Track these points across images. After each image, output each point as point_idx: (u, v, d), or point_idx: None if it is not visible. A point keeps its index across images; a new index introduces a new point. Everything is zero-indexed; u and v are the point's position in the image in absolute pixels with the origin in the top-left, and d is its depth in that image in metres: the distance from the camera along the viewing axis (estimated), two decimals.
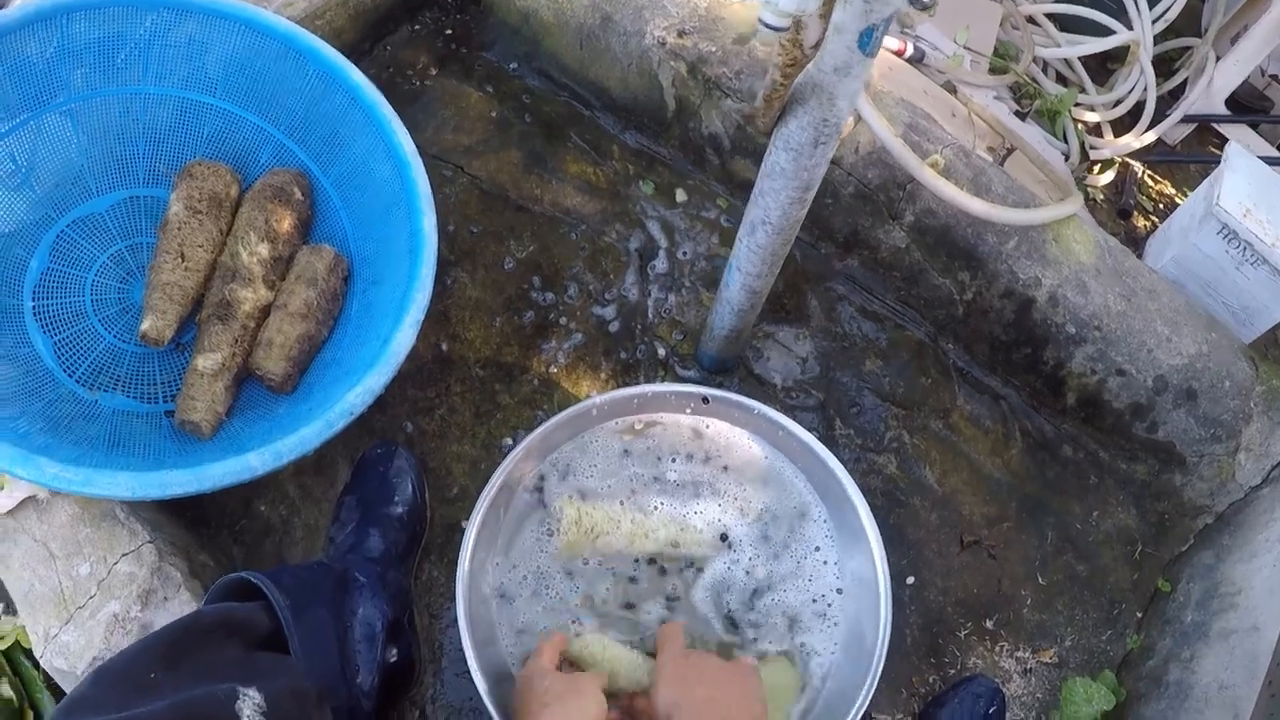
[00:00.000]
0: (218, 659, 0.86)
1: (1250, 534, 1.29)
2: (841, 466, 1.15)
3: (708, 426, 1.22)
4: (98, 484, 1.03)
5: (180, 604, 1.11)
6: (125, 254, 1.33)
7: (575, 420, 1.20)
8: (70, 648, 1.10)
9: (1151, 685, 1.28)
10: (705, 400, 1.21)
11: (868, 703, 1.05)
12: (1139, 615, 1.34)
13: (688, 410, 1.22)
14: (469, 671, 1.18)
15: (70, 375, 1.24)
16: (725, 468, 1.20)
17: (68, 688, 1.10)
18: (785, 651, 1.13)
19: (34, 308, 1.26)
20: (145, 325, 1.23)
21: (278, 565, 1.25)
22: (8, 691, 1.15)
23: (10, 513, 1.16)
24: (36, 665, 1.19)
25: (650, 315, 1.40)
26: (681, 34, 1.40)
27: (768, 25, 0.85)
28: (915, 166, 1.29)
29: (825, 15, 0.87)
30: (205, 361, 1.24)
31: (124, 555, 1.13)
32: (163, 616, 1.11)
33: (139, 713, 0.74)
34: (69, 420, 1.20)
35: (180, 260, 1.27)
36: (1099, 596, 1.34)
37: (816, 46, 0.91)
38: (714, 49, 1.39)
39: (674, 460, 1.21)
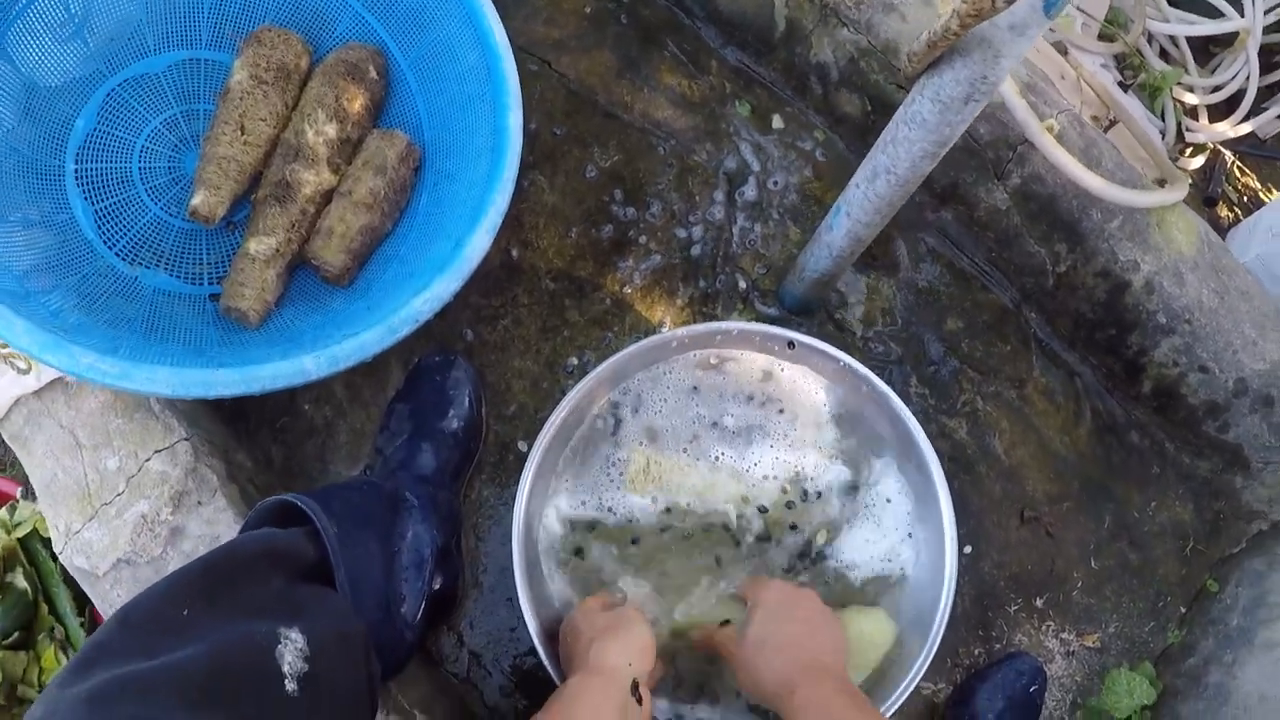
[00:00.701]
0: (258, 594, 0.67)
1: None
2: (921, 430, 0.94)
3: (783, 370, 1.00)
4: (135, 378, 0.79)
5: (215, 509, 0.89)
6: (180, 120, 1.06)
7: (652, 351, 0.97)
8: (93, 546, 0.88)
9: (1190, 683, 1.10)
10: (791, 345, 0.98)
11: (925, 668, 0.87)
12: (1183, 611, 1.16)
13: (771, 351, 1.00)
14: (511, 599, 0.99)
15: (110, 248, 0.98)
16: (796, 416, 0.99)
17: (88, 588, 0.88)
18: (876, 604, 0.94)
19: (76, 171, 0.99)
20: (196, 200, 0.97)
21: (323, 477, 1.02)
22: (22, 583, 0.92)
23: (36, 393, 0.92)
24: (54, 557, 0.96)
25: (734, 244, 1.15)
26: None
27: None
28: (1036, 130, 1.03)
29: None
30: (258, 245, 0.98)
31: (157, 452, 0.90)
32: (195, 522, 0.88)
33: (171, 660, 0.56)
34: (105, 297, 0.95)
35: (240, 133, 1.00)
36: (1147, 587, 1.15)
37: (1011, 2, 0.67)
38: None
39: (746, 401, 0.99)
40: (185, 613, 0.62)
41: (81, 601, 0.97)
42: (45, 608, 0.94)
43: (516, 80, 1.02)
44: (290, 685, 0.60)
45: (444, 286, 0.92)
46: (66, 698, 0.52)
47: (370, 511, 0.83)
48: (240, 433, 1.02)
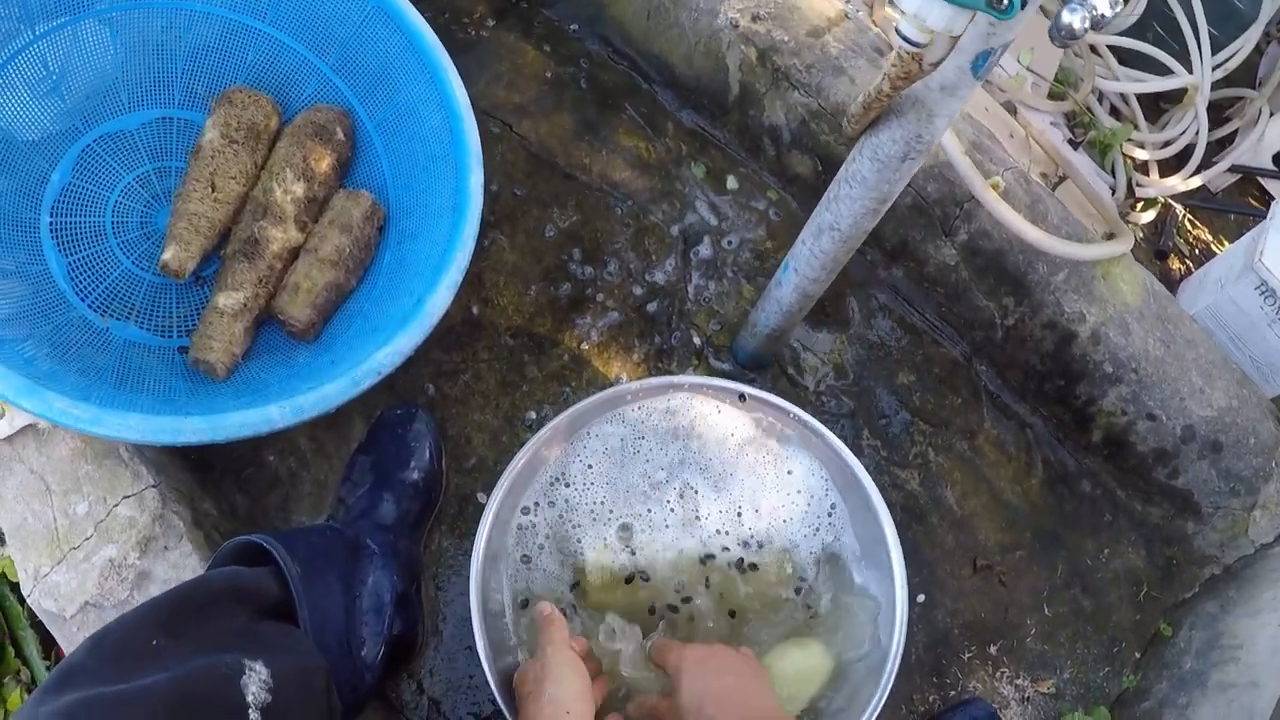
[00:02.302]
0: (223, 628, 0.76)
1: (1256, 590, 1.22)
2: (873, 483, 1.05)
3: (736, 425, 1.11)
4: (106, 424, 0.90)
5: (181, 554, 0.99)
6: (152, 177, 1.18)
7: (608, 403, 1.09)
8: (61, 589, 0.98)
9: None
10: (742, 398, 1.10)
11: (877, 714, 0.96)
12: (1138, 655, 1.26)
13: (720, 406, 1.11)
14: (470, 646, 1.09)
15: (83, 299, 1.10)
16: (750, 471, 1.10)
17: (55, 631, 0.97)
18: (819, 637, 1.03)
19: (51, 224, 1.11)
20: (167, 255, 1.09)
21: (286, 526, 1.13)
22: None
23: (8, 439, 1.03)
24: (22, 600, 1.06)
25: (689, 302, 1.28)
26: (755, 18, 1.26)
27: (907, 40, 0.74)
28: (980, 187, 1.17)
29: (956, 35, 0.76)
30: (227, 300, 1.10)
31: (125, 498, 1.01)
32: (162, 566, 0.99)
33: (138, 686, 0.64)
34: (77, 347, 1.06)
35: (210, 190, 1.13)
36: (1101, 633, 1.26)
37: (936, 65, 0.80)
38: (787, 39, 1.26)
39: (697, 456, 1.10)
40: (154, 642, 0.70)
41: (48, 645, 1.07)
42: (12, 651, 1.03)
43: (478, 142, 1.16)
44: (254, 715, 0.68)
45: (406, 341, 1.04)
46: (40, 715, 0.60)
47: (332, 555, 0.94)
48: (206, 482, 1.13)
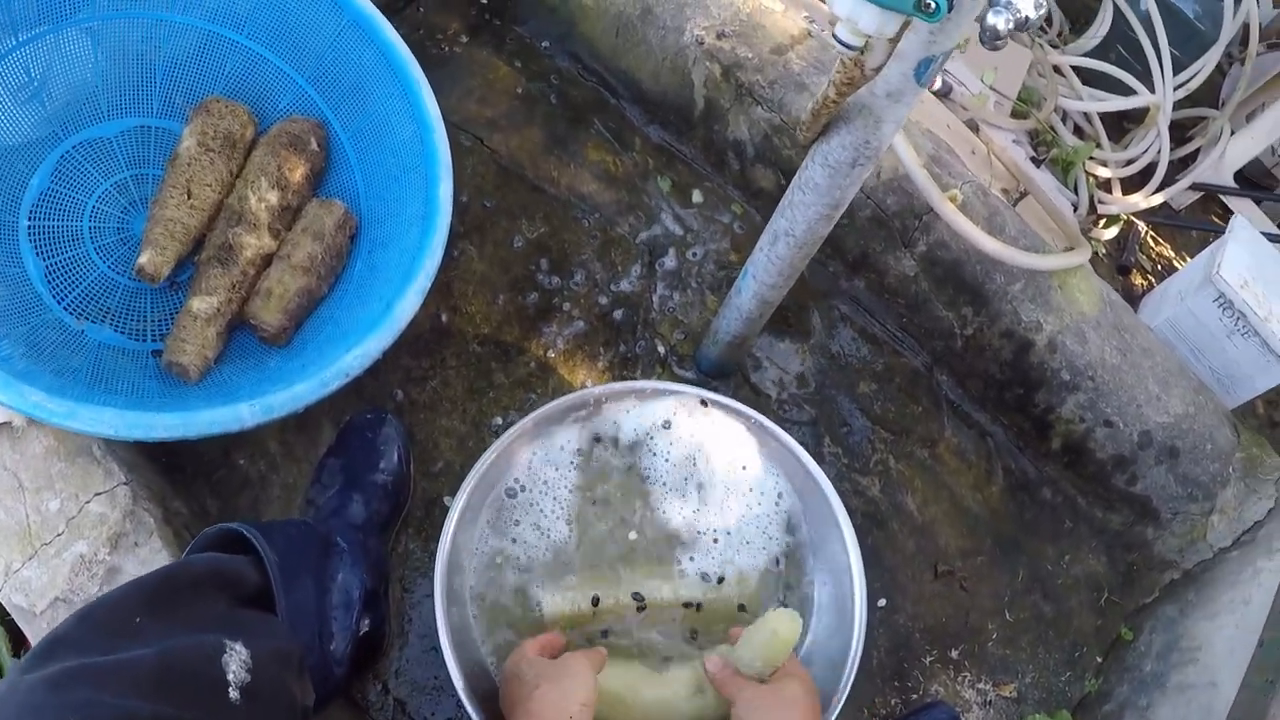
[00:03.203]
0: (204, 611, 0.80)
1: (1215, 593, 1.28)
2: (831, 486, 1.11)
3: (696, 428, 1.17)
4: (81, 418, 0.96)
5: (151, 551, 1.04)
6: (130, 183, 1.25)
7: (573, 408, 1.15)
8: (31, 584, 1.03)
9: None
10: (704, 403, 1.16)
11: (836, 716, 1.02)
12: (1099, 660, 1.32)
13: (681, 410, 1.17)
14: (436, 648, 1.13)
15: (59, 301, 1.16)
16: (708, 474, 1.15)
17: (25, 625, 1.02)
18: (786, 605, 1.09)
19: (29, 227, 1.17)
20: (143, 259, 1.15)
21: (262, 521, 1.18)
22: None
23: None
24: None
25: (654, 312, 1.35)
26: (720, 36, 1.34)
27: (842, 43, 0.80)
28: (937, 199, 1.25)
29: (894, 40, 0.83)
30: (200, 304, 1.16)
31: (97, 495, 1.06)
32: (132, 562, 1.04)
33: (125, 657, 0.68)
34: (52, 348, 1.12)
35: (186, 197, 1.20)
36: (1062, 638, 1.31)
37: (878, 70, 0.87)
38: (751, 55, 1.34)
39: (659, 460, 1.16)
40: (138, 620, 0.74)
41: (17, 641, 1.12)
42: None
43: (448, 153, 1.23)
44: (234, 694, 0.72)
45: (374, 344, 1.10)
46: (26, 681, 0.64)
47: (306, 549, 0.99)
48: (177, 483, 1.18)
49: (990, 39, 0.79)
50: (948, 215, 1.25)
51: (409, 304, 1.13)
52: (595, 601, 1.08)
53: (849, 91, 0.90)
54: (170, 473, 1.19)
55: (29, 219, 1.18)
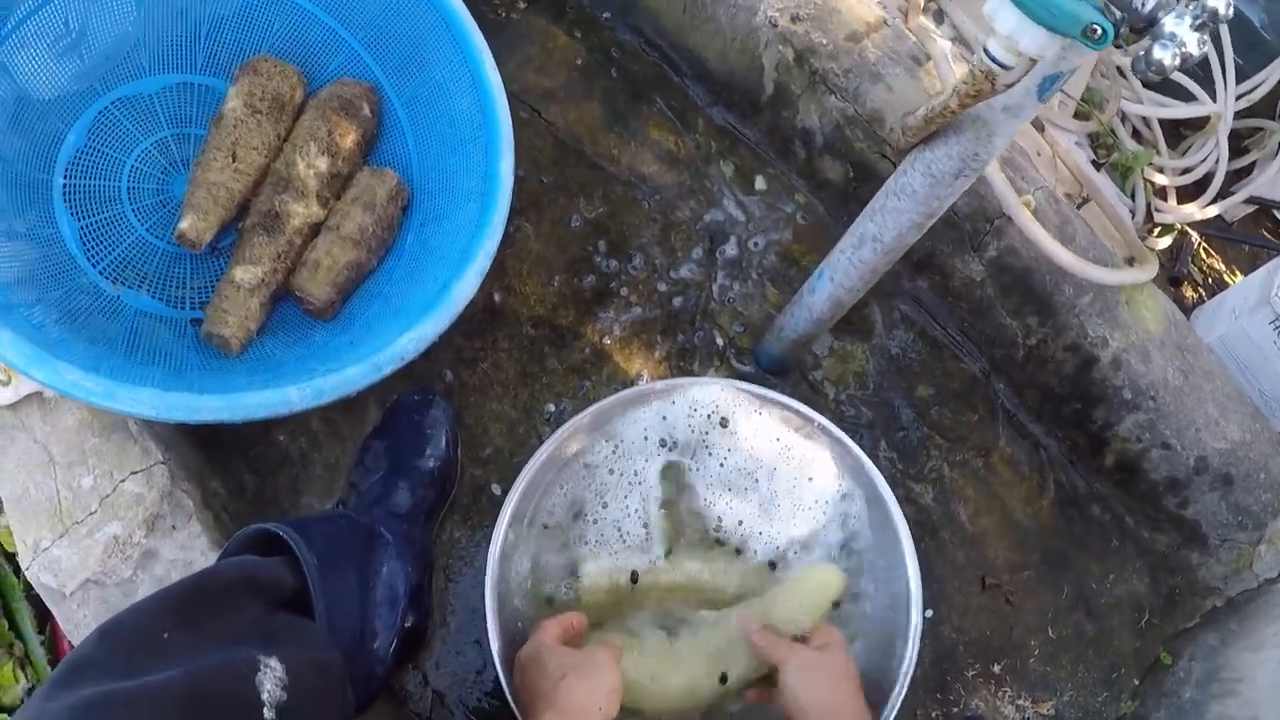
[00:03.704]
0: (237, 620, 0.73)
1: (1259, 624, 1.23)
2: (895, 500, 1.04)
3: (757, 430, 1.10)
4: (120, 398, 0.87)
5: (190, 535, 0.96)
6: (171, 143, 1.15)
7: (633, 401, 1.07)
8: (61, 564, 0.95)
9: None
10: (765, 404, 1.09)
11: None
12: (1136, 682, 1.27)
13: (741, 410, 1.10)
14: (480, 640, 1.07)
15: (94, 265, 1.07)
16: (769, 474, 1.09)
17: (54, 606, 0.94)
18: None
19: (65, 186, 1.07)
20: (184, 224, 1.06)
21: (295, 508, 1.10)
22: None
23: (12, 406, 0.99)
24: (18, 571, 1.03)
25: (713, 301, 1.27)
26: (795, 19, 1.25)
27: (995, 60, 0.73)
28: (1014, 205, 1.17)
29: (1036, 59, 0.75)
30: (244, 274, 1.07)
31: (133, 474, 0.98)
32: (169, 546, 0.96)
33: (152, 681, 0.61)
34: (87, 314, 1.03)
35: (231, 160, 1.10)
36: (1102, 658, 1.27)
37: (1009, 86, 0.80)
38: (825, 41, 1.25)
39: (714, 461, 1.09)
40: (165, 635, 0.67)
41: (43, 619, 1.04)
42: (5, 623, 1.00)
43: (510, 127, 1.13)
44: (269, 714, 0.65)
45: (431, 327, 1.01)
46: (51, 710, 0.57)
47: (348, 545, 0.91)
48: (214, 459, 1.10)
49: (1156, 72, 0.72)
50: (1024, 223, 1.17)
51: (467, 286, 1.04)
52: (634, 578, 1.02)
53: (971, 104, 0.82)
54: (207, 447, 1.11)
55: (64, 177, 1.08)
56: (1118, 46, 1.63)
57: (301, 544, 0.83)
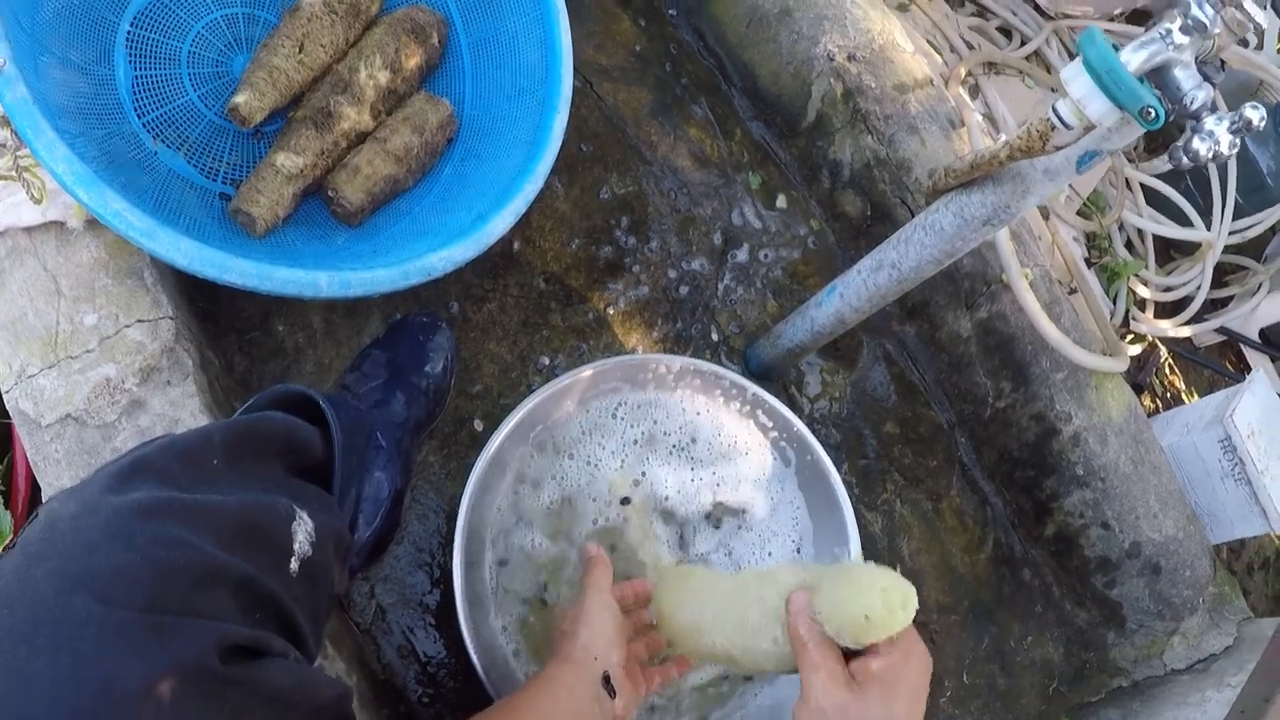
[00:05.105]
0: (273, 473, 0.74)
1: (1160, 708, 1.29)
2: (852, 513, 1.09)
3: (739, 423, 1.14)
4: (160, 240, 0.87)
5: (183, 394, 0.96)
6: (239, 20, 1.16)
7: (628, 369, 1.10)
8: (45, 393, 0.94)
9: None
10: (752, 399, 1.13)
11: None
12: None
13: (725, 398, 1.14)
14: (427, 564, 1.08)
15: (139, 116, 1.07)
16: (729, 468, 1.13)
17: (25, 434, 0.93)
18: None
19: (129, 33, 1.07)
20: (239, 99, 1.07)
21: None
22: None
23: (28, 230, 0.98)
24: None
25: (716, 299, 1.31)
26: (851, 58, 1.31)
27: (1061, 119, 0.80)
28: (1015, 274, 1.24)
29: (1090, 129, 0.82)
30: (286, 160, 1.08)
31: (139, 322, 0.97)
32: (159, 400, 0.95)
33: (208, 500, 0.61)
34: (123, 161, 1.03)
35: (298, 50, 1.11)
36: (1008, 713, 1.31)
37: (1058, 149, 0.87)
38: (874, 85, 1.31)
39: (690, 441, 1.12)
40: (215, 461, 0.67)
41: (3, 448, 1.02)
42: None
43: (570, 87, 1.17)
44: (294, 564, 0.65)
45: (461, 251, 1.03)
46: (111, 503, 0.56)
47: (362, 434, 0.92)
48: (208, 333, 1.10)
49: (1188, 159, 0.79)
50: (1020, 292, 1.24)
51: (503, 222, 1.06)
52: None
53: (1020, 158, 0.88)
54: (203, 321, 1.11)
55: (131, 24, 1.08)
56: (1130, 160, 1.73)
57: (336, 419, 0.83)
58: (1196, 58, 0.80)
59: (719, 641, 0.83)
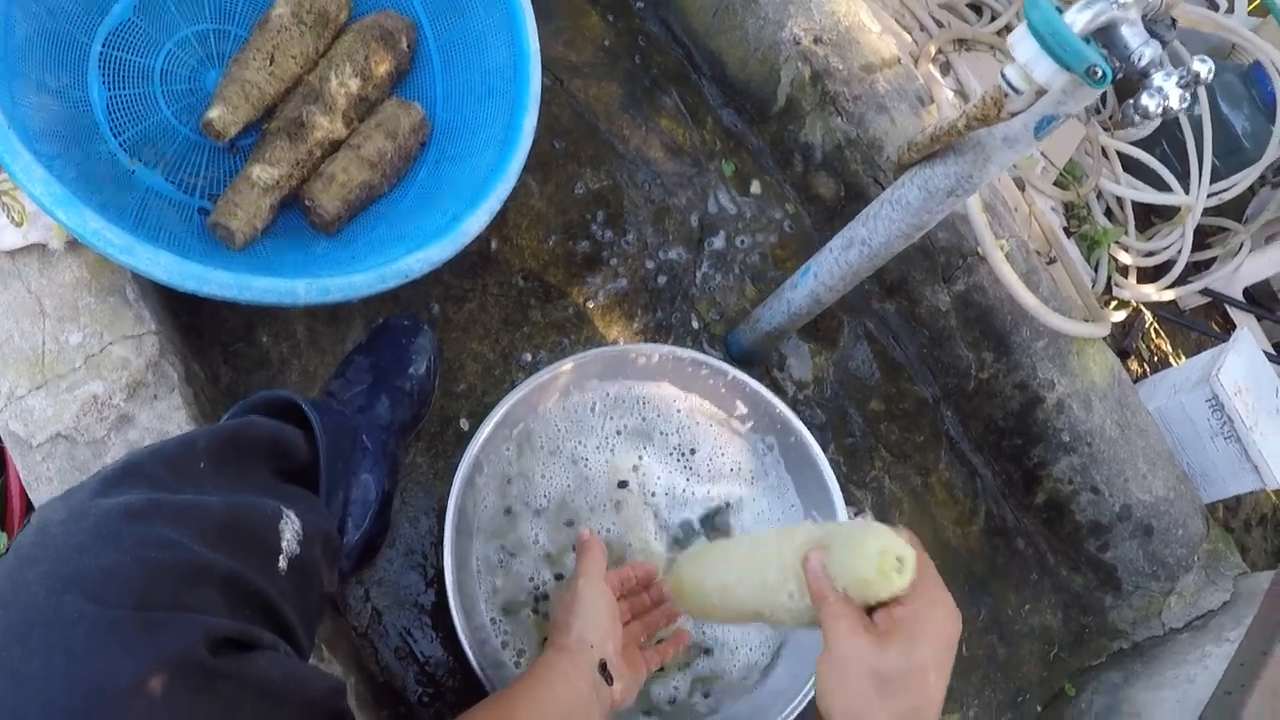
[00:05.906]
0: (260, 477, 0.76)
1: (1161, 667, 1.31)
2: (840, 492, 1.10)
3: (716, 407, 1.16)
4: (139, 255, 0.89)
5: (170, 407, 0.98)
6: (210, 36, 1.18)
7: (609, 361, 1.12)
8: (34, 414, 0.96)
9: None
10: (733, 382, 1.15)
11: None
12: (1039, 709, 1.34)
13: (709, 385, 1.16)
14: (415, 567, 1.10)
15: (116, 136, 1.09)
16: (713, 453, 1.15)
17: (16, 455, 0.95)
18: None
19: (101, 54, 1.10)
20: (213, 113, 1.09)
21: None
22: None
23: (10, 254, 1.00)
24: None
25: (695, 287, 1.33)
26: (817, 40, 1.33)
27: (1010, 84, 0.81)
28: (989, 245, 1.25)
29: (1041, 94, 0.84)
30: (261, 172, 1.10)
31: (124, 338, 0.99)
32: (147, 414, 0.98)
33: (195, 500, 0.63)
34: (101, 181, 1.04)
35: (269, 63, 1.13)
36: (1009, 681, 1.33)
37: (1013, 115, 0.88)
38: (842, 66, 1.33)
39: (676, 431, 1.14)
40: (201, 465, 0.69)
41: None
42: None
43: (539, 85, 1.18)
44: (283, 563, 0.67)
45: (437, 252, 1.05)
46: (100, 506, 0.58)
47: (347, 439, 0.94)
48: (192, 346, 1.12)
49: (1141, 115, 0.81)
50: (996, 263, 1.26)
51: (477, 221, 1.08)
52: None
53: (977, 127, 0.90)
54: (187, 334, 1.13)
55: (103, 45, 1.10)
56: (1105, 129, 1.75)
57: (320, 427, 0.85)
58: (1144, 15, 0.82)
59: (747, 600, 0.83)
